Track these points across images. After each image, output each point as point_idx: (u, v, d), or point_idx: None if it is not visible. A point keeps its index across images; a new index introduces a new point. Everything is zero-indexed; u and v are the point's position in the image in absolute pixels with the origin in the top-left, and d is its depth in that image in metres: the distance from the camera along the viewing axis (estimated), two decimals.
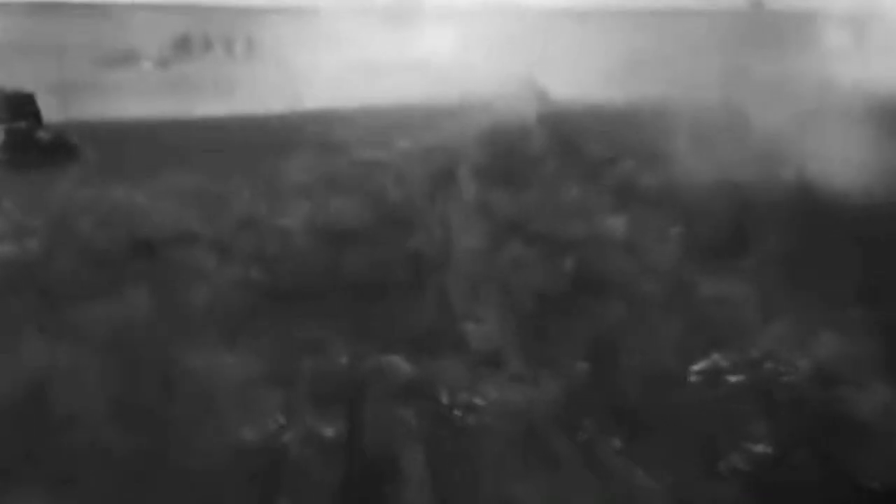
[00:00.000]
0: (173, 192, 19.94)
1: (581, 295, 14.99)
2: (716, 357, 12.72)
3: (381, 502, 10.60)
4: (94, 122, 26.72)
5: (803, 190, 19.70)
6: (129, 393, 12.03)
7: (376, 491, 10.68)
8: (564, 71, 30.10)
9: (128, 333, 13.45)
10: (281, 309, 14.41)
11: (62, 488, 10.47)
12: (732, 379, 12.38)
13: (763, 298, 14.54)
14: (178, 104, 30.18)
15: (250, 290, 15.26)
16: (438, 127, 26.62)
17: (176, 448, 11.04)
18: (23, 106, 25.41)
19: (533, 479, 10.69)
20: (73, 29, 36.84)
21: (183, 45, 39.83)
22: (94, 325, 13.63)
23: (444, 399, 12.10)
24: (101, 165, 22.41)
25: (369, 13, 38.13)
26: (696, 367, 12.60)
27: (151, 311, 14.32)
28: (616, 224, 18.29)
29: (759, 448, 10.98)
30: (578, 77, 29.49)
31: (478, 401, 12.03)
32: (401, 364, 12.80)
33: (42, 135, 25.04)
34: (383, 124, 26.96)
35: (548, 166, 22.53)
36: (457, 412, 11.88)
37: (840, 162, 19.41)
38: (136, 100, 30.48)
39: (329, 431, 11.48)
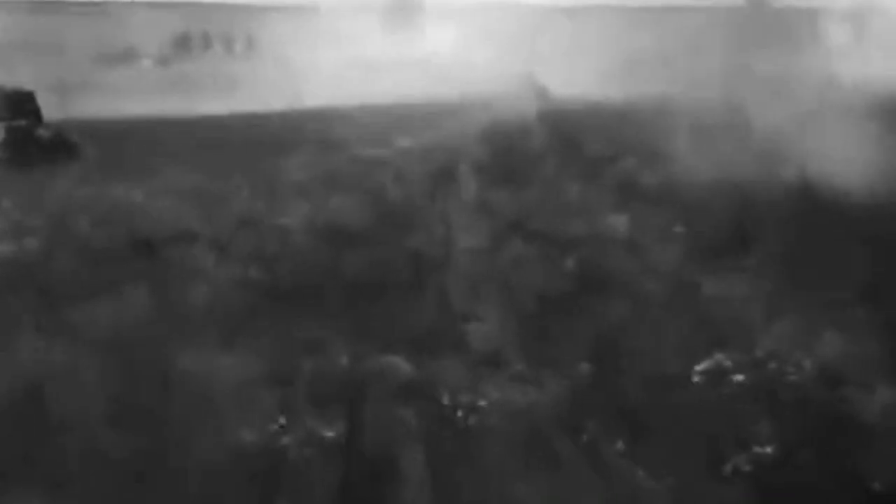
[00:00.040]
0: (173, 191, 19.92)
1: (582, 294, 14.92)
2: (719, 357, 12.63)
3: (380, 503, 10.53)
4: (94, 120, 26.71)
5: (805, 188, 19.63)
6: (128, 392, 11.96)
7: (376, 491, 10.61)
8: (565, 69, 30.09)
9: (127, 333, 13.39)
10: (280, 308, 14.34)
11: (60, 489, 10.40)
12: (736, 379, 12.30)
13: (766, 297, 14.47)
14: (177, 102, 30.16)
15: (250, 290, 15.20)
16: (438, 125, 26.60)
17: (174, 448, 10.97)
18: (23, 104, 25.37)
19: (534, 480, 10.61)
20: (72, 27, 36.85)
21: (183, 44, 39.89)
22: (92, 324, 13.57)
23: (445, 399, 12.01)
24: (101, 163, 22.39)
25: (369, 11, 38.18)
26: (700, 367, 12.52)
27: (150, 310, 14.26)
28: (617, 222, 18.23)
29: (764, 449, 10.90)
30: (579, 75, 29.48)
31: (479, 401, 11.94)
32: (401, 364, 12.72)
33: (42, 133, 25.01)
34: (383, 122, 26.96)
35: (548, 164, 22.48)
36: (457, 413, 11.80)
37: (843, 159, 19.34)
38: (136, 98, 30.48)
39: (329, 432, 11.41)
